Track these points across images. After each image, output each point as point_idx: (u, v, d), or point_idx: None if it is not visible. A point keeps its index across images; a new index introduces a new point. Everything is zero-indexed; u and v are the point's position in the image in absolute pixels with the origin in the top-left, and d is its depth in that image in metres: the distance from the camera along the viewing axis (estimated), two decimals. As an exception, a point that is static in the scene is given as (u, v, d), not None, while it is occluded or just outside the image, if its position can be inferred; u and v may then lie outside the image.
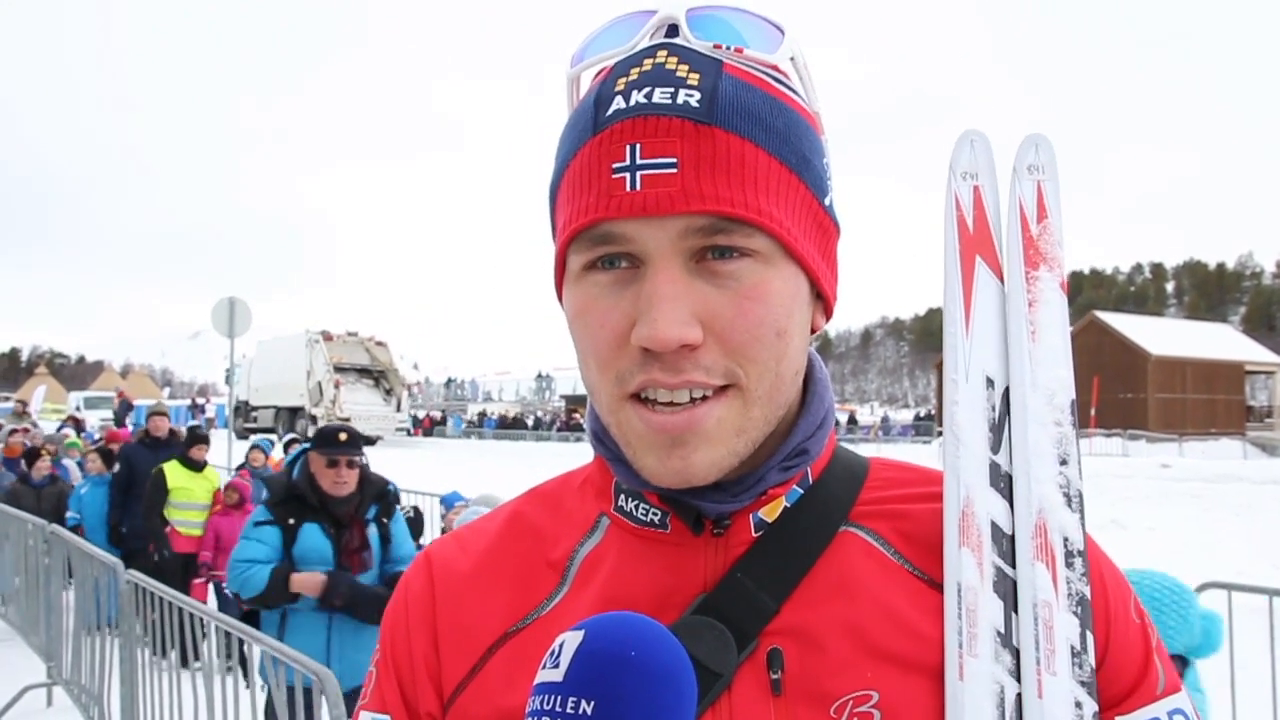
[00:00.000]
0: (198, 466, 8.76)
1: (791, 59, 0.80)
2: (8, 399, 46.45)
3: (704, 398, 0.76)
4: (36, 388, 45.80)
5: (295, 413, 35.15)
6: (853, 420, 57.00)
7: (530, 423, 57.21)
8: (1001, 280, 0.83)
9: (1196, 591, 5.39)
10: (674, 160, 0.72)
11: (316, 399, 34.11)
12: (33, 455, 10.86)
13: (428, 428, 50.81)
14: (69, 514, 9.59)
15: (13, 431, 14.21)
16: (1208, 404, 53.96)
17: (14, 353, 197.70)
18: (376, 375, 35.92)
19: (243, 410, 36.62)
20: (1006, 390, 0.82)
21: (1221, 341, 59.18)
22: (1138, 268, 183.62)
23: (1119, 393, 51.18)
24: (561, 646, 0.70)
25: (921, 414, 58.51)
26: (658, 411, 0.76)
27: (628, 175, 0.73)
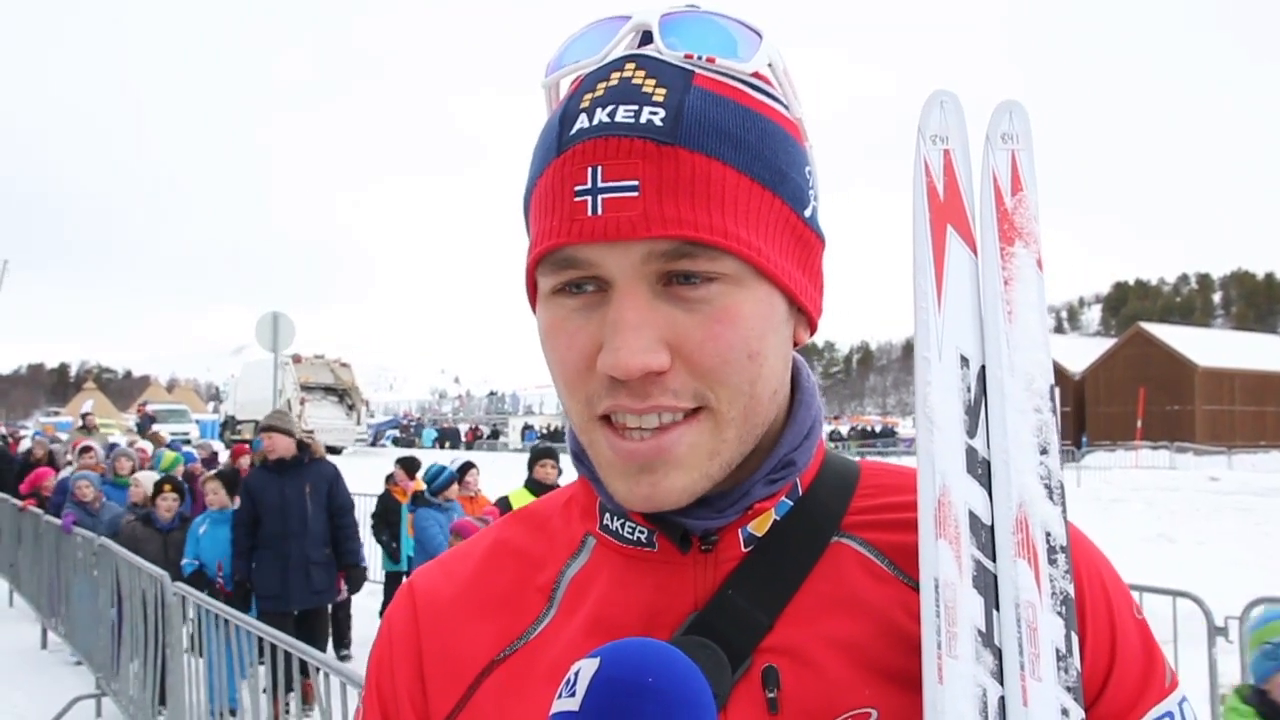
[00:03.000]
0: (548, 490, 7.12)
1: (770, 65, 0.77)
2: (57, 413, 47.13)
3: (674, 422, 0.74)
4: (85, 402, 46.48)
5: None
6: (892, 432, 56.44)
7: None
8: (975, 253, 0.78)
9: (1248, 608, 5.31)
10: (635, 183, 0.70)
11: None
12: (157, 489, 8.23)
13: (470, 441, 51.73)
14: (185, 560, 7.38)
15: (111, 449, 12.48)
16: (1257, 416, 52.94)
17: (63, 368, 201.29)
18: (340, 393, 39.39)
19: (230, 424, 40.01)
20: (982, 370, 0.77)
21: (1271, 352, 58.09)
22: (1184, 278, 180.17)
23: (1166, 405, 50.36)
24: (577, 675, 0.69)
25: (963, 426, 57.42)
26: (626, 438, 0.75)
27: (589, 199, 0.71)
